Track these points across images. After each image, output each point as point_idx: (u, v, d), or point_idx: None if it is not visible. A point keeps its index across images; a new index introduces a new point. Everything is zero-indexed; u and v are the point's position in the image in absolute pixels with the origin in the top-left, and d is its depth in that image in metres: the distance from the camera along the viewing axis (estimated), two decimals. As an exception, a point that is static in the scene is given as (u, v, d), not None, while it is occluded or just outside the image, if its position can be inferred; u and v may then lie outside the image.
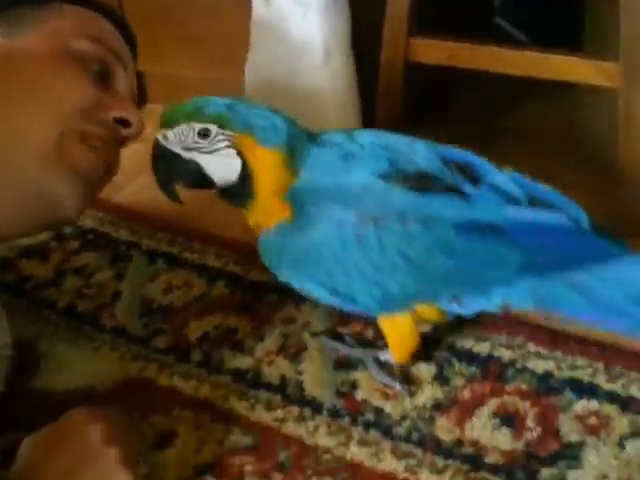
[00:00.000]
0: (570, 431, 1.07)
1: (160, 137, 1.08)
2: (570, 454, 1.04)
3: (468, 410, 1.11)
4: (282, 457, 1.07)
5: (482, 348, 1.21)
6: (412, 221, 1.03)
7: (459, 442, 1.07)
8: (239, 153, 1.07)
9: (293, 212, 1.07)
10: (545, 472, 1.02)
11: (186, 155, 1.07)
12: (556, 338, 1.21)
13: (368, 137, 1.12)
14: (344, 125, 1.62)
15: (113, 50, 1.13)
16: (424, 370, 1.18)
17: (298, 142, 1.10)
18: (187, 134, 1.06)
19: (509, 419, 1.10)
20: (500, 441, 1.07)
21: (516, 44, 1.99)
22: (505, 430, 1.08)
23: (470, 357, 1.20)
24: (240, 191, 1.09)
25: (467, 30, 1.68)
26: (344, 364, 1.21)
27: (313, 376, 1.19)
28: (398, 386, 1.16)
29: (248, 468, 1.06)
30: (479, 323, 1.24)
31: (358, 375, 1.19)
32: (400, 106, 1.61)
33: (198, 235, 1.53)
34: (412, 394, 1.14)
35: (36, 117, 1.03)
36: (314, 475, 1.04)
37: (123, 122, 1.11)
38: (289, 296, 1.30)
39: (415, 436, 1.08)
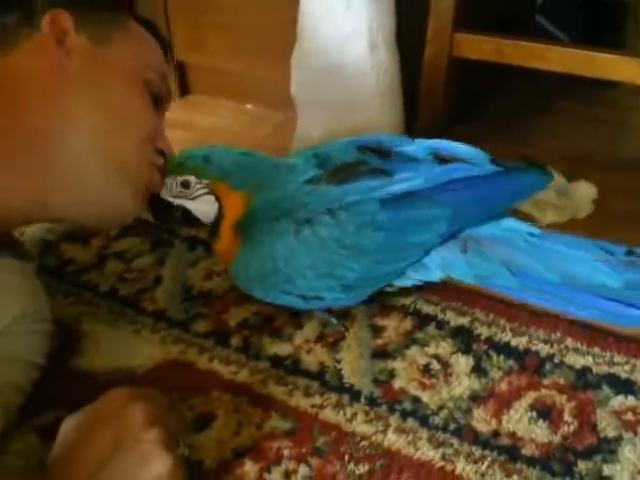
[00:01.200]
0: (607, 426, 1.07)
1: None
2: (607, 448, 1.04)
3: (505, 402, 1.12)
4: (320, 442, 1.08)
5: (520, 342, 1.21)
6: (338, 210, 1.16)
7: (496, 433, 1.08)
8: (217, 198, 1.22)
9: (242, 240, 1.20)
10: (581, 465, 1.02)
11: (175, 202, 1.25)
12: (594, 334, 1.21)
13: (307, 150, 1.28)
14: (386, 118, 1.63)
15: (166, 81, 1.22)
16: (462, 362, 1.19)
17: (264, 177, 1.24)
18: (173, 185, 1.23)
19: (546, 412, 1.10)
20: (537, 433, 1.07)
21: (560, 42, 2.00)
22: (542, 423, 1.09)
23: (508, 350, 1.20)
24: (212, 228, 1.25)
25: (508, 28, 1.68)
26: (382, 353, 1.22)
27: (351, 365, 1.20)
28: (334, 321, 1.28)
29: (286, 452, 1.07)
30: (517, 317, 1.25)
31: (396, 364, 1.20)
32: (443, 101, 1.61)
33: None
34: (449, 384, 1.16)
35: (128, 136, 1.13)
36: (351, 461, 1.05)
37: (161, 152, 1.22)
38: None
39: (452, 426, 1.09)
